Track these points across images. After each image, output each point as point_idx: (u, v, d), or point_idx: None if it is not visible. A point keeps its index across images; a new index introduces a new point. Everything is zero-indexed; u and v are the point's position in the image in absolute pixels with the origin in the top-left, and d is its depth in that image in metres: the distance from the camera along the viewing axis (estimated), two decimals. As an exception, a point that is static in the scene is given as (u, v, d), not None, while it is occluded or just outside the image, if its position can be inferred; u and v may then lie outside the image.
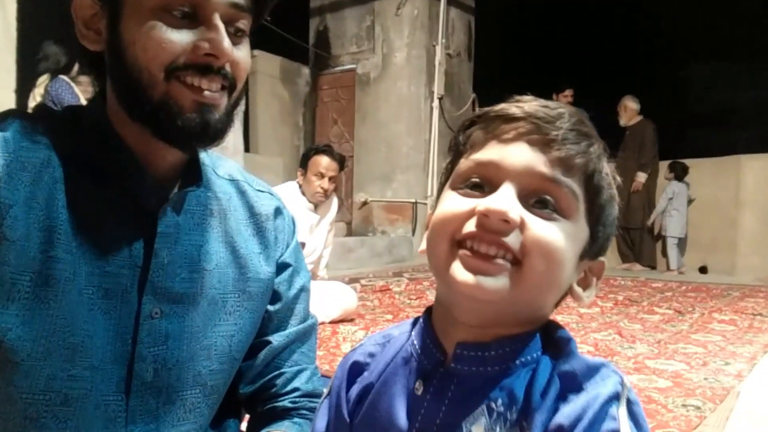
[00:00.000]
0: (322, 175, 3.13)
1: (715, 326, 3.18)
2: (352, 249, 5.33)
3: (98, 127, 0.69)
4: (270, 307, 0.81)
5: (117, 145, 0.68)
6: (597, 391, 0.46)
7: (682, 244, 5.93)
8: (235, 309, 0.75)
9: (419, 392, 0.52)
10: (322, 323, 2.74)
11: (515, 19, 7.50)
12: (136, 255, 0.67)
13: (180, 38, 0.63)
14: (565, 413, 0.45)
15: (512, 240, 0.47)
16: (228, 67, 0.67)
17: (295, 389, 0.80)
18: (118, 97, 0.67)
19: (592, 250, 0.53)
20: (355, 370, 0.60)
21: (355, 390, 0.58)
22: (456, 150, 0.55)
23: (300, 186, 3.20)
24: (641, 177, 5.91)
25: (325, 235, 3.38)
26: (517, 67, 7.34)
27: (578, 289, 0.54)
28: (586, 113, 0.52)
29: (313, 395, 0.81)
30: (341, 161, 3.25)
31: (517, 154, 0.49)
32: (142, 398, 0.67)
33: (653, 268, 6.01)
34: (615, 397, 0.46)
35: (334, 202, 3.44)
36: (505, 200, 0.47)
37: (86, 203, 0.65)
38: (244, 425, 0.86)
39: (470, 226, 0.48)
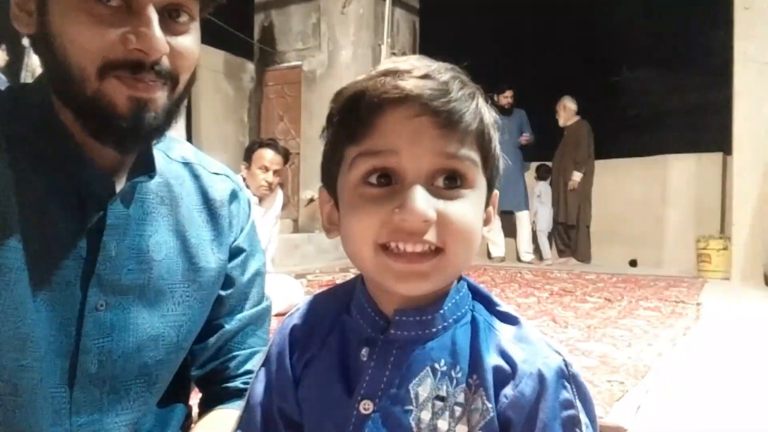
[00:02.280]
0: (266, 169, 3.14)
1: (641, 312, 3.38)
2: (298, 245, 5.33)
3: (41, 112, 0.65)
4: (222, 292, 0.80)
5: (60, 133, 0.65)
6: (543, 368, 0.50)
7: (550, 236, 6.52)
8: (184, 299, 0.74)
9: (364, 359, 0.53)
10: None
11: (458, 20, 7.66)
12: (81, 247, 0.65)
13: (109, 32, 0.58)
14: (517, 391, 0.49)
15: (432, 234, 0.48)
16: (165, 61, 0.62)
17: (248, 371, 0.80)
18: (52, 86, 0.64)
19: (490, 192, 0.56)
20: (296, 334, 0.60)
21: (297, 357, 0.59)
22: (337, 135, 0.53)
23: (244, 179, 3.19)
24: (577, 176, 6.16)
25: (270, 229, 3.39)
26: (459, 65, 7.47)
27: (484, 230, 0.57)
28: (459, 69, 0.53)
29: None
30: (286, 155, 3.27)
31: (416, 139, 0.49)
32: (85, 390, 0.66)
33: (588, 262, 6.29)
34: (562, 376, 0.50)
35: (279, 195, 3.45)
36: (419, 202, 0.47)
37: (32, 191, 0.63)
38: (194, 401, 0.86)
39: (391, 232, 0.49)
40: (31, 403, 0.61)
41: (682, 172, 6.00)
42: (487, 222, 0.57)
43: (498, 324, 0.54)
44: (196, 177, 0.80)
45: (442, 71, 0.50)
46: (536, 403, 0.49)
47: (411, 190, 0.48)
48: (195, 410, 0.85)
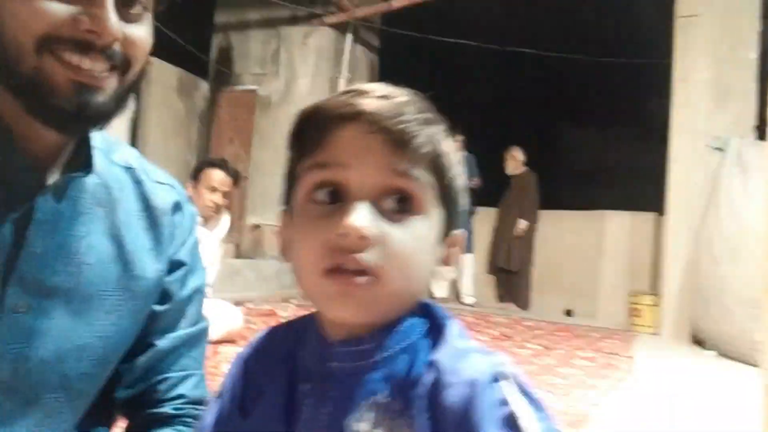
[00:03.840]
0: (214, 189, 3.03)
1: (577, 362, 3.44)
2: (239, 271, 5.17)
3: None
4: (157, 307, 0.74)
5: None
6: (475, 376, 0.45)
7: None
8: (115, 308, 0.69)
9: (305, 395, 0.51)
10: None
11: (415, 64, 7.84)
12: (3, 242, 0.60)
13: (58, 9, 0.56)
14: (448, 402, 0.45)
15: (371, 257, 0.46)
16: (117, 47, 0.59)
17: (180, 395, 0.74)
18: None
19: (450, 227, 0.53)
20: (249, 367, 0.58)
21: (249, 391, 0.56)
22: (294, 153, 0.52)
23: (189, 198, 3.07)
24: (522, 224, 6.32)
25: (213, 252, 3.26)
26: (423, 96, 7.65)
27: (441, 269, 0.54)
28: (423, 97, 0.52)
29: (199, 402, 0.75)
30: (236, 177, 3.18)
31: (365, 154, 0.48)
32: None
33: (526, 309, 6.40)
34: (497, 376, 0.45)
35: (225, 218, 3.34)
36: (359, 217, 0.46)
37: None
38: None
39: (334, 254, 0.46)
40: None
41: (618, 228, 6.25)
42: (447, 262, 0.54)
43: (438, 348, 0.50)
44: (138, 182, 0.75)
45: (401, 95, 0.50)
46: (466, 411, 0.44)
47: (353, 205, 0.47)
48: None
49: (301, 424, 0.50)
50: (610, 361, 3.55)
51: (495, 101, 8.77)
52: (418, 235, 0.48)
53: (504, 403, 0.44)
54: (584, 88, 8.59)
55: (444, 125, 0.52)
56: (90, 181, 0.68)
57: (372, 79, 7.16)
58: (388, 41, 7.13)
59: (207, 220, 3.12)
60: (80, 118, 0.59)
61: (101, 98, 0.60)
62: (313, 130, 0.50)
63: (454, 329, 0.51)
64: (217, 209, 3.08)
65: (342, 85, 6.30)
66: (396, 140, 0.47)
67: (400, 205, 0.48)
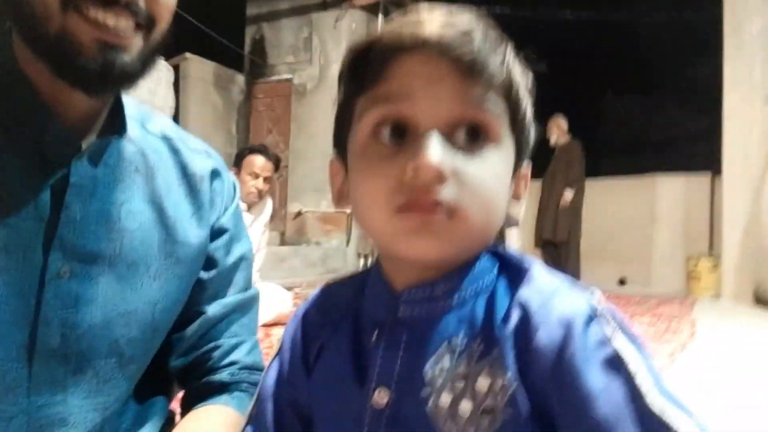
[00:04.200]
0: (256, 175, 3.06)
1: (637, 328, 3.34)
2: (284, 258, 5.24)
3: (1, 62, 0.61)
4: (204, 275, 0.74)
5: (20, 84, 0.60)
6: (569, 314, 0.42)
7: None
8: (161, 274, 0.68)
9: (374, 343, 0.48)
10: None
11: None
12: (42, 207, 0.59)
13: None
14: (541, 344, 0.41)
15: (447, 194, 0.42)
16: (141, 2, 0.58)
17: (234, 362, 0.73)
18: (17, 29, 0.60)
19: (520, 160, 0.50)
20: (309, 320, 0.56)
21: (311, 345, 0.54)
22: (349, 89, 0.48)
23: (233, 183, 3.11)
24: (569, 194, 6.16)
25: (259, 237, 3.30)
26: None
27: (513, 205, 0.51)
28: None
29: (254, 368, 0.74)
30: (277, 161, 3.20)
31: (433, 83, 0.43)
32: (47, 366, 0.59)
33: (577, 280, 6.26)
34: (593, 316, 0.42)
35: (269, 203, 3.37)
36: (433, 154, 0.42)
37: None
38: (175, 404, 0.78)
39: (408, 192, 0.43)
40: None
41: (670, 192, 6.04)
42: (516, 195, 0.51)
43: (520, 287, 0.46)
44: (174, 151, 0.74)
45: (467, 17, 0.45)
46: (561, 352, 0.40)
47: (425, 137, 0.42)
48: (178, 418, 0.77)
49: (375, 373, 0.47)
50: (671, 326, 3.43)
51: (534, 71, 8.55)
52: (493, 167, 0.45)
53: (604, 342, 0.40)
54: (626, 50, 8.29)
55: (511, 44, 0.47)
56: (127, 148, 0.68)
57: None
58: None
59: (251, 206, 3.16)
60: (106, 78, 0.58)
61: (126, 58, 0.59)
62: (372, 62, 0.45)
63: (537, 267, 0.47)
64: (260, 194, 3.11)
65: (375, 67, 6.26)
66: (466, 67, 0.43)
67: (473, 137, 0.44)
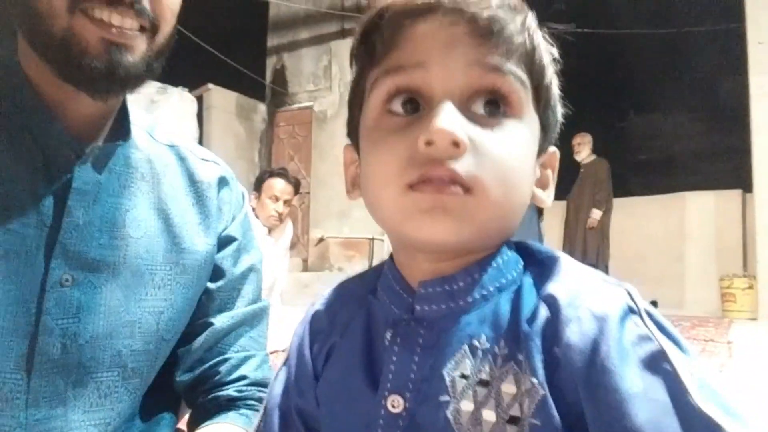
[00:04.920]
0: (276, 199, 3.06)
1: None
2: (307, 284, 5.22)
3: (5, 69, 0.61)
4: (211, 285, 0.72)
5: (24, 88, 0.60)
6: (603, 308, 0.38)
7: None
8: (166, 283, 0.67)
9: (388, 343, 0.44)
10: (275, 351, 2.61)
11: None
12: (45, 213, 0.58)
13: None
14: (572, 341, 0.37)
15: (464, 166, 0.39)
16: (146, 3, 0.58)
17: (242, 377, 0.71)
18: (21, 31, 0.60)
19: (546, 141, 0.46)
20: (317, 322, 0.52)
21: (318, 347, 0.50)
22: (361, 64, 0.45)
23: (253, 209, 3.12)
24: (596, 214, 6.05)
25: (278, 262, 3.29)
26: None
27: (538, 192, 0.46)
28: None
29: (262, 384, 0.72)
30: (296, 185, 3.20)
31: (448, 49, 0.40)
32: (47, 378, 0.57)
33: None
34: (629, 311, 0.38)
35: (289, 227, 3.37)
36: (448, 120, 0.38)
37: None
38: (182, 425, 0.75)
39: (421, 166, 0.39)
40: None
41: (700, 210, 5.89)
42: (543, 184, 0.47)
43: (548, 282, 0.42)
44: (182, 159, 0.74)
45: None
46: (596, 350, 0.36)
47: (439, 106, 0.39)
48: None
49: (389, 377, 0.43)
50: (707, 348, 3.30)
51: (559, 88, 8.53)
52: (515, 140, 0.41)
53: (645, 339, 0.36)
54: (649, 67, 8.21)
55: (533, 13, 0.43)
56: (133, 155, 0.67)
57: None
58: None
59: (271, 229, 3.15)
60: (111, 78, 0.58)
61: (131, 59, 0.58)
62: (382, 31, 0.42)
63: (566, 260, 0.43)
64: (281, 218, 3.11)
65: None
66: (483, 30, 0.40)
67: (493, 107, 0.41)
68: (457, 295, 0.42)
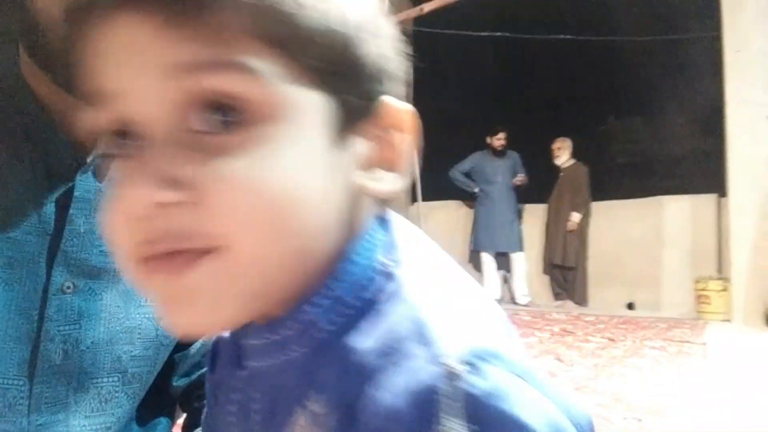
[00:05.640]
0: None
1: (647, 352, 3.29)
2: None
3: (6, 78, 0.62)
4: None
5: (27, 98, 0.60)
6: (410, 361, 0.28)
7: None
8: None
9: (232, 403, 0.37)
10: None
11: (452, 64, 7.80)
12: (46, 221, 0.59)
13: None
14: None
15: (193, 220, 0.27)
16: None
17: None
18: (21, 42, 0.60)
19: (358, 114, 0.32)
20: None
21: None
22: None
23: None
24: (576, 217, 6.14)
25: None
26: (453, 108, 7.62)
27: (370, 182, 0.33)
28: None
29: None
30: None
31: (135, 65, 0.28)
32: (49, 384, 0.58)
33: (584, 305, 6.18)
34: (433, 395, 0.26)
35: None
36: (141, 179, 0.27)
37: None
38: (176, 428, 0.77)
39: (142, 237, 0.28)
40: None
41: (677, 214, 5.99)
42: (384, 160, 0.33)
43: (365, 324, 0.31)
44: None
45: None
46: None
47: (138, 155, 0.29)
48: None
49: None
50: (683, 350, 3.37)
51: (537, 94, 8.62)
52: (273, 156, 0.28)
53: None
54: (628, 73, 8.34)
55: None
56: None
57: (407, 89, 7.13)
58: (420, 43, 7.12)
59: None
60: None
61: None
62: (61, 54, 0.33)
63: (400, 280, 0.31)
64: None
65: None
66: (173, 14, 0.26)
67: (230, 117, 0.28)
68: (289, 345, 0.32)
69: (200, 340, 0.72)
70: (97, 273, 0.62)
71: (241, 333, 0.35)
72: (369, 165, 0.33)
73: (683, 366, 2.88)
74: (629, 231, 6.20)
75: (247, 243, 0.28)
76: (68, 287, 0.59)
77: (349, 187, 0.32)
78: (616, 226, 6.25)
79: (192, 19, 0.26)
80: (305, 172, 0.29)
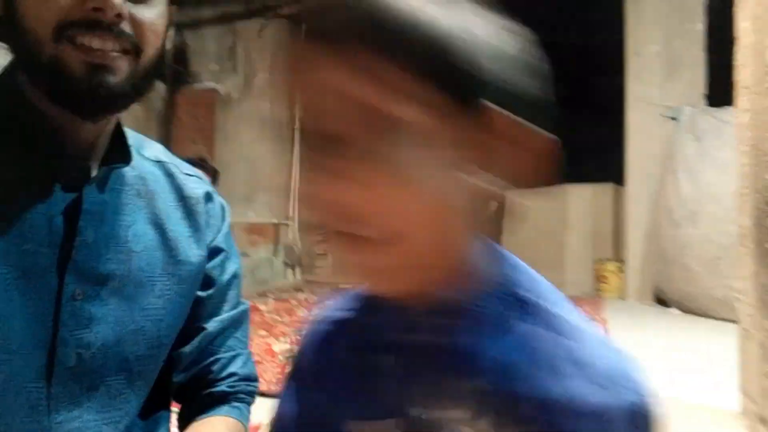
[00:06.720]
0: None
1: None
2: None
3: (11, 96, 0.64)
4: (202, 293, 0.78)
5: (32, 116, 0.63)
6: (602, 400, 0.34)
7: None
8: (164, 293, 0.72)
9: (385, 371, 0.41)
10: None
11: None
12: (56, 232, 0.63)
13: None
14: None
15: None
16: (127, 28, 0.61)
17: (232, 374, 0.79)
18: (17, 58, 0.63)
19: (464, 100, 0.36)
20: (319, 342, 0.49)
21: (320, 366, 0.48)
22: None
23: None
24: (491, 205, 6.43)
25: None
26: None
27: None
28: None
29: (249, 378, 0.80)
30: (214, 175, 3.18)
31: (302, 77, 0.36)
32: (65, 385, 0.63)
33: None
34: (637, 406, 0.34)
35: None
36: (338, 175, 0.35)
37: (3, 177, 0.61)
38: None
39: None
40: (3, 401, 0.58)
41: (579, 201, 6.44)
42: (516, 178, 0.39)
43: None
44: (169, 175, 0.78)
45: None
46: None
47: None
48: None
49: (383, 407, 0.40)
50: (587, 326, 3.70)
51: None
52: (428, 170, 0.35)
53: None
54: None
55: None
56: (128, 174, 0.72)
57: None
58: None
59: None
60: (94, 98, 0.61)
61: (113, 79, 0.61)
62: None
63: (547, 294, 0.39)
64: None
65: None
66: (325, 42, 0.35)
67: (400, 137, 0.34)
68: (463, 326, 0.38)
69: (196, 339, 0.77)
70: (104, 280, 0.66)
71: (412, 314, 0.39)
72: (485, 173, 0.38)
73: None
74: (536, 216, 6.61)
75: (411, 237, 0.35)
76: (79, 294, 0.63)
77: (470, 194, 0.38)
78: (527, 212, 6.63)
79: (334, 50, 0.34)
80: (447, 181, 0.36)
